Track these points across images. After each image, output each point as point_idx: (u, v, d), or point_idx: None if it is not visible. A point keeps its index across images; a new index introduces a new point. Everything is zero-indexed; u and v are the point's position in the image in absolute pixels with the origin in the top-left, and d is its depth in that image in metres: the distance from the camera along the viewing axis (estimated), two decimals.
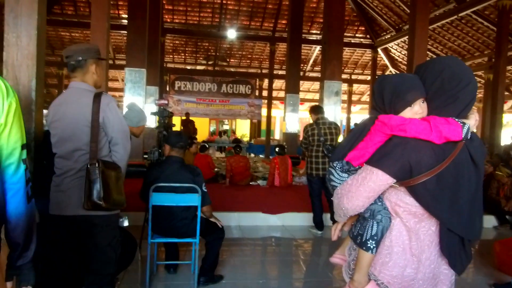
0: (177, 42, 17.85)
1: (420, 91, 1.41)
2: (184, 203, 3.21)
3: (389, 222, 1.42)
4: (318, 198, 5.28)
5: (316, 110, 5.44)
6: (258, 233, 5.32)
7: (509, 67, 13.62)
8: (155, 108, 4.50)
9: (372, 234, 1.41)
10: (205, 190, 3.30)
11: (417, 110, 1.41)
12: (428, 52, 15.78)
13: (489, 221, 6.13)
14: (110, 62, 16.27)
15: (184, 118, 14.84)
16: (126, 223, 3.68)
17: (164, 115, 4.40)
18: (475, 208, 1.40)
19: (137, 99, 8.27)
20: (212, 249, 3.41)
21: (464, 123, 1.34)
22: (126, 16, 11.34)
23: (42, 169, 2.78)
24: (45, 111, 2.57)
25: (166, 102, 4.49)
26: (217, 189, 7.15)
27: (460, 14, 12.12)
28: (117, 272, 2.72)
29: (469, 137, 1.35)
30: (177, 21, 16.26)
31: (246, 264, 4.16)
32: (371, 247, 1.41)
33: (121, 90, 13.20)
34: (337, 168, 1.52)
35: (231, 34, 15.24)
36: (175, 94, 16.72)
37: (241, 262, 4.19)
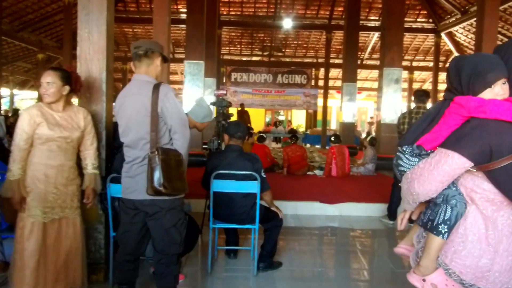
0: (233, 34, 18.08)
1: (501, 71, 1.35)
2: (243, 190, 3.29)
3: (464, 208, 1.37)
4: (399, 188, 5.12)
5: (419, 96, 4.83)
6: (315, 223, 5.31)
7: None
8: (213, 99, 4.61)
9: (445, 218, 1.37)
10: (264, 176, 3.36)
11: (498, 91, 1.35)
12: (498, 35, 14.71)
13: None
14: (170, 56, 16.88)
15: (239, 109, 15.07)
16: (189, 209, 3.86)
17: (223, 105, 4.51)
18: None
19: (196, 91, 8.54)
20: (271, 236, 3.47)
21: None
22: (185, 10, 11.68)
23: (114, 157, 2.98)
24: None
25: (225, 92, 4.59)
26: (275, 178, 7.21)
27: None
28: (182, 254, 2.86)
29: None
30: (233, 13, 16.45)
31: (304, 252, 4.19)
32: (443, 231, 1.37)
33: (181, 82, 13.66)
34: (406, 152, 1.49)
35: (287, 23, 15.16)
36: (231, 86, 16.99)
37: (298, 250, 4.22)
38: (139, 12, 15.51)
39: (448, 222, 1.36)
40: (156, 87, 2.34)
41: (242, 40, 18.63)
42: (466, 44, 16.74)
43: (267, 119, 24.98)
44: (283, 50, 19.06)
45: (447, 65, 16.18)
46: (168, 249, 2.42)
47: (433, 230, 1.39)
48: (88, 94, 3.05)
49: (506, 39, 15.23)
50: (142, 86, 2.38)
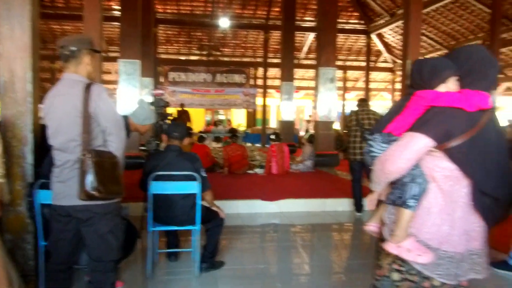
0: (170, 32, 17.72)
1: (453, 70, 1.65)
2: (183, 190, 3.24)
3: (427, 185, 1.61)
4: (358, 182, 5.40)
5: (361, 102, 5.73)
6: (256, 221, 5.36)
7: (503, 50, 13.64)
8: (150, 99, 4.49)
9: (412, 194, 1.60)
10: (205, 175, 3.33)
11: (450, 86, 1.65)
12: (422, 37, 15.78)
13: None
14: (103, 54, 16.17)
15: (179, 109, 14.81)
16: (126, 213, 3.71)
17: (161, 105, 4.41)
18: (503, 171, 1.61)
19: (131, 91, 8.26)
20: (213, 236, 3.45)
21: (491, 95, 1.59)
22: (118, 7, 11.25)
23: (42, 161, 2.80)
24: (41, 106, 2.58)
25: (162, 92, 4.52)
26: (215, 178, 7.19)
27: None
28: (120, 260, 2.75)
29: (494, 106, 1.59)
30: (169, 11, 16.13)
31: (246, 250, 4.21)
32: (411, 205, 1.60)
33: (115, 82, 13.16)
34: (377, 140, 1.72)
35: (224, 23, 15.15)
36: (170, 85, 16.66)
37: (241, 248, 4.24)
38: (68, 8, 14.69)
39: (416, 197, 1.60)
40: (88, 87, 2.22)
41: (180, 39, 18.32)
42: (394, 45, 17.78)
43: (207, 119, 24.81)
44: (222, 49, 19.02)
45: (377, 64, 17.00)
46: (105, 256, 2.32)
47: (403, 204, 1.62)
48: (12, 95, 2.84)
49: (429, 40, 16.39)
50: (73, 85, 2.26)
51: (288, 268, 3.81)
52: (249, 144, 16.40)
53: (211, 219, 3.44)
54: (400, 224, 1.63)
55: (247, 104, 17.41)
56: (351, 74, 21.19)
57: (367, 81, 18.02)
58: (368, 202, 1.83)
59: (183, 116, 14.51)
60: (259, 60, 18.65)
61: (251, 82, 18.25)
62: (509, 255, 3.59)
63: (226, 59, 19.33)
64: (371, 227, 1.88)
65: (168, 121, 4.45)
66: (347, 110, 17.97)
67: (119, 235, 2.37)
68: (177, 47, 18.79)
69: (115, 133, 2.27)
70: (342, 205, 5.69)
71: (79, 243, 2.39)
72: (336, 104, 9.69)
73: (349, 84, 21.80)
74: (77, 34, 2.85)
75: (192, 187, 3.23)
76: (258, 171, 8.09)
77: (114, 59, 14.62)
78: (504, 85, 15.74)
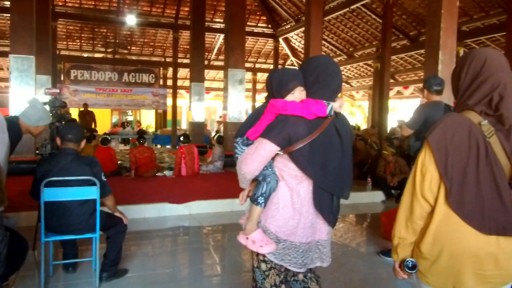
0: (71, 27, 16.56)
1: (299, 81, 1.80)
2: (80, 197, 3.04)
3: (276, 184, 1.78)
4: None
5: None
6: (165, 224, 5.24)
7: (393, 57, 15.04)
8: (46, 98, 4.16)
9: (262, 192, 1.77)
10: (104, 179, 3.16)
11: (296, 95, 1.80)
12: (324, 42, 16.78)
13: (378, 196, 6.80)
14: None
15: (81, 109, 13.90)
16: (14, 223, 3.39)
17: (56, 105, 4.10)
18: (343, 172, 1.81)
19: (25, 90, 7.57)
20: (114, 243, 3.29)
21: (328, 103, 1.74)
22: None
23: None
24: None
25: (57, 91, 4.18)
26: (121, 182, 6.89)
27: (351, 7, 13.06)
28: (6, 276, 2.50)
29: (332, 114, 1.76)
30: (70, 4, 15.08)
31: (153, 255, 4.09)
32: (260, 202, 1.77)
33: (6, 80, 11.92)
34: (239, 143, 1.85)
35: (131, 20, 14.57)
36: (71, 84, 15.58)
37: (148, 254, 4.11)
38: None
39: (264, 195, 1.77)
40: None
41: (82, 35, 17.21)
42: (300, 49, 18.62)
43: (114, 120, 23.66)
44: (129, 47, 18.27)
45: (285, 67, 17.53)
46: None
47: (254, 201, 1.78)
48: None
49: (331, 46, 17.44)
50: None
51: (197, 270, 3.79)
52: (159, 146, 16.00)
53: (113, 226, 3.27)
54: (251, 218, 1.80)
55: (157, 105, 16.96)
56: (260, 76, 21.73)
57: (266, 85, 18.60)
58: (240, 198, 1.95)
59: (86, 117, 13.66)
60: (168, 60, 18.29)
61: (161, 82, 17.80)
62: None
63: (134, 57, 18.62)
64: (242, 220, 1.99)
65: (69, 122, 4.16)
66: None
67: (3, 248, 2.15)
68: (79, 44, 17.63)
69: None
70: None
71: None
72: (245, 106, 9.86)
73: (259, 86, 22.34)
74: None
75: (91, 193, 3.05)
76: (167, 173, 7.92)
77: (5, 54, 13.26)
78: (395, 89, 17.40)
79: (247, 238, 1.81)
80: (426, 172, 1.48)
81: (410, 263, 1.54)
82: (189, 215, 5.59)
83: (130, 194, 5.92)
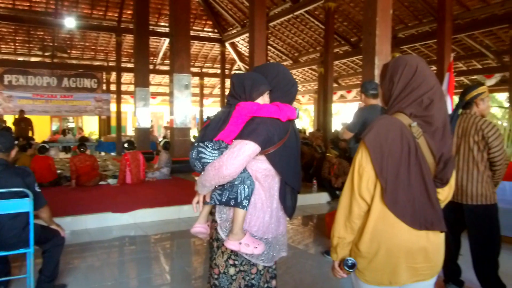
0: (4, 29, 15.58)
1: (268, 85, 1.86)
2: (11, 210, 2.85)
3: (254, 186, 1.81)
4: None
5: None
6: (109, 235, 5.05)
7: (336, 62, 15.58)
8: None
9: (246, 195, 1.77)
10: (38, 190, 2.99)
11: (265, 99, 1.87)
12: (270, 47, 17.05)
13: (324, 197, 6.98)
14: None
15: (17, 116, 13.09)
16: None
17: None
18: (298, 168, 1.93)
19: None
20: (51, 257, 3.11)
21: (296, 108, 1.87)
22: None
23: None
24: None
25: None
26: (61, 192, 6.57)
27: (295, 13, 13.36)
28: None
29: (298, 117, 1.88)
30: (2, 5, 14.17)
31: (94, 268, 3.92)
32: (246, 205, 1.77)
33: None
34: (209, 147, 1.82)
35: (70, 23, 13.96)
36: (5, 90, 14.66)
37: (92, 266, 3.93)
38: None
39: (248, 197, 1.77)
40: None
41: (17, 38, 16.23)
42: (246, 54, 18.77)
43: (55, 127, 22.51)
44: (69, 51, 17.48)
45: (232, 72, 17.86)
46: None
47: (238, 205, 1.76)
48: None
49: (275, 51, 17.73)
50: None
51: (145, 280, 3.66)
52: (103, 153, 15.43)
53: (49, 239, 3.10)
54: (237, 222, 1.78)
55: (100, 111, 16.34)
56: (208, 81, 21.66)
57: (222, 88, 18.64)
58: (194, 205, 1.90)
59: (22, 124, 12.87)
60: (112, 64, 17.72)
61: (104, 87, 17.20)
62: None
63: (74, 62, 17.86)
64: (198, 228, 1.96)
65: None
66: (204, 116, 18.28)
67: None
68: (14, 47, 16.62)
69: None
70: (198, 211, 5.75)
71: None
72: (192, 111, 9.77)
73: (207, 91, 22.24)
74: None
75: (23, 205, 2.87)
76: (111, 181, 7.64)
77: None
78: (338, 93, 18.02)
79: (240, 243, 1.77)
80: (363, 172, 1.54)
81: (350, 261, 1.58)
82: (134, 224, 5.42)
83: (70, 205, 5.65)
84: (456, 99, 4.63)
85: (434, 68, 11.50)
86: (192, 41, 16.29)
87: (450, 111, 7.35)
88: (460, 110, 3.08)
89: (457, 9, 10.70)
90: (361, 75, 5.84)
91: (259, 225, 1.83)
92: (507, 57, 11.07)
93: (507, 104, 12.02)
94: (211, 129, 1.85)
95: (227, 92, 18.11)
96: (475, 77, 13.63)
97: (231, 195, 1.78)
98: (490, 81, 12.69)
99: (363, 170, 1.55)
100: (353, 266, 1.58)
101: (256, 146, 1.73)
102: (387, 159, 1.51)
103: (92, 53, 18.05)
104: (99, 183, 7.48)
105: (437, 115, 1.57)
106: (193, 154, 1.85)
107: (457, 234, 3.14)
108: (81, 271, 3.78)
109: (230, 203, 1.78)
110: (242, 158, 1.72)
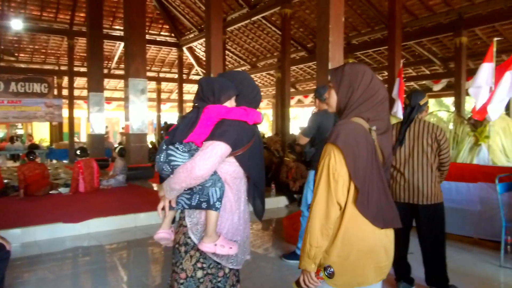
0: None
1: (235, 90, 1.93)
2: None
3: (224, 187, 1.83)
4: None
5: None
6: (60, 246, 4.84)
7: (293, 67, 15.83)
8: None
9: (218, 197, 1.80)
10: None
11: (233, 103, 1.93)
12: (228, 52, 17.07)
13: (282, 201, 7.05)
14: None
15: None
16: None
17: None
18: (263, 170, 2.00)
19: None
20: None
21: (260, 112, 1.95)
22: None
23: None
24: None
25: None
26: (7, 203, 6.25)
27: (253, 19, 13.47)
28: None
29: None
30: None
31: (47, 281, 3.73)
32: (218, 206, 1.80)
33: None
34: (179, 149, 1.82)
35: (17, 24, 13.32)
36: None
37: (40, 280, 3.74)
38: None
39: (220, 199, 1.80)
40: None
41: None
42: (204, 58, 18.66)
43: (1, 134, 21.34)
44: (16, 54, 16.65)
45: (190, 77, 17.63)
46: None
47: (211, 207, 1.78)
48: None
49: (234, 56, 17.77)
50: None
51: None
52: (54, 161, 14.82)
53: None
54: (211, 225, 1.80)
55: (51, 117, 15.63)
56: (165, 85, 21.35)
57: (180, 93, 18.43)
58: (160, 211, 1.89)
59: None
60: (63, 68, 17.07)
61: (55, 92, 16.51)
62: (297, 246, 4.14)
63: (22, 65, 17.02)
64: (162, 234, 1.94)
65: None
66: (162, 121, 17.99)
67: None
68: None
69: None
70: (155, 218, 5.63)
71: None
72: (148, 116, 9.58)
73: (164, 96, 21.92)
74: None
75: None
76: (63, 190, 7.33)
77: None
78: (295, 98, 18.31)
79: (215, 245, 1.79)
80: (339, 177, 1.56)
81: (331, 269, 1.55)
82: (87, 234, 5.23)
83: (18, 216, 5.38)
84: None
85: (386, 73, 11.97)
86: (148, 45, 16.00)
87: (400, 114, 7.70)
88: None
89: (406, 17, 11.21)
90: (316, 80, 5.97)
91: (229, 227, 1.87)
92: (453, 64, 11.71)
93: (453, 108, 12.69)
94: (180, 132, 1.86)
95: (185, 97, 17.96)
96: (423, 82, 14.31)
97: (202, 198, 1.79)
98: (438, 86, 13.38)
99: (338, 175, 1.56)
100: (333, 273, 1.55)
101: (227, 147, 1.77)
102: (358, 162, 1.56)
103: (42, 56, 17.31)
104: (50, 192, 7.15)
105: (386, 120, 1.69)
106: (162, 157, 1.83)
107: (407, 233, 3.27)
108: (31, 285, 3.60)
109: (202, 206, 1.80)
110: (214, 158, 1.75)
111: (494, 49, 4.94)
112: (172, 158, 1.81)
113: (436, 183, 3.08)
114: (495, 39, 5.08)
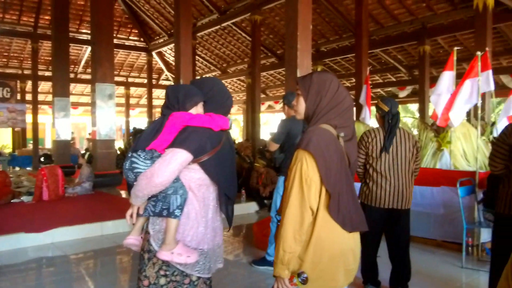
0: None
1: (201, 96, 1.92)
2: None
3: (187, 195, 1.82)
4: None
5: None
6: (23, 257, 4.65)
7: (264, 73, 15.94)
8: None
9: (178, 204, 1.78)
10: None
11: (199, 109, 1.91)
12: (198, 58, 17.01)
13: (252, 207, 7.06)
14: None
15: None
16: None
17: None
18: (234, 177, 1.98)
19: None
20: None
21: (229, 118, 1.93)
22: None
23: None
24: None
25: None
26: None
27: (223, 25, 13.49)
28: None
29: (231, 128, 1.95)
30: None
31: None
32: (178, 214, 1.78)
33: None
34: (141, 156, 1.81)
35: None
36: None
37: None
38: None
39: (180, 207, 1.78)
40: None
41: None
42: (174, 63, 18.52)
43: None
44: None
45: (160, 82, 17.45)
46: None
47: (171, 215, 1.77)
48: None
49: (204, 61, 17.71)
50: None
51: None
52: (17, 168, 14.27)
53: None
54: (169, 232, 1.78)
55: (14, 122, 15.06)
56: (134, 90, 21.02)
57: (149, 98, 18.18)
58: (128, 217, 1.89)
59: None
60: (27, 72, 16.51)
61: (18, 97, 15.93)
62: (267, 252, 4.15)
63: None
64: (131, 240, 1.94)
65: None
66: (131, 127, 17.68)
67: None
68: None
69: None
70: (122, 226, 5.51)
71: None
72: (117, 121, 9.38)
73: (133, 101, 21.58)
74: None
75: None
76: (25, 199, 7.06)
77: None
78: (266, 103, 18.43)
79: (172, 253, 1.77)
80: (312, 183, 1.57)
81: (305, 275, 1.56)
82: (51, 244, 5.06)
83: None
84: (373, 109, 4.95)
85: (353, 80, 12.24)
86: (116, 49, 15.74)
87: (368, 120, 7.88)
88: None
89: (373, 26, 11.52)
90: (285, 86, 6.04)
91: (193, 235, 1.84)
92: (417, 71, 12.11)
93: (417, 114, 13.12)
94: (143, 139, 1.86)
95: (154, 102, 17.74)
96: (390, 89, 14.73)
97: (163, 205, 1.79)
98: (403, 93, 13.80)
99: (311, 180, 1.57)
100: (307, 279, 1.56)
101: (188, 155, 1.75)
102: (330, 168, 1.59)
103: (4, 60, 16.70)
104: (12, 201, 6.88)
105: (352, 127, 1.74)
106: (126, 164, 1.84)
107: (380, 237, 3.35)
108: None
109: (163, 214, 1.79)
110: (174, 166, 1.73)
111: (455, 58, 5.14)
112: (135, 165, 1.81)
113: (412, 188, 3.25)
114: (455, 48, 5.29)
